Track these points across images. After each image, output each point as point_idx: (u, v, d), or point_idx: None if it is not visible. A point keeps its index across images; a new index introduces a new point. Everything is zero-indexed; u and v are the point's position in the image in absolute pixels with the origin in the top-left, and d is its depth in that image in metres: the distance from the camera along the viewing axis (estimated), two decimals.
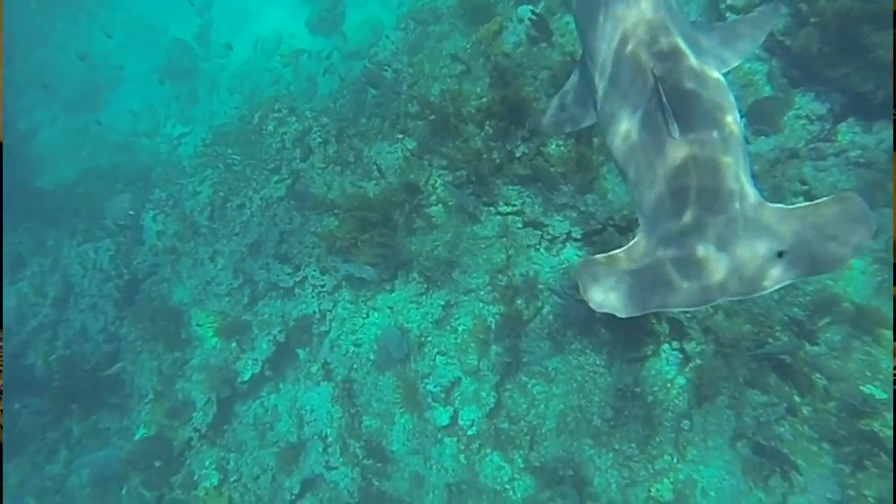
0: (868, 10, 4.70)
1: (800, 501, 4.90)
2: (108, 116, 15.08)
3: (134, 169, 12.44)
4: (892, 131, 5.22)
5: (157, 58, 14.65)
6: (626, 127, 2.25)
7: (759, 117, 5.61)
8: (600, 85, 2.47)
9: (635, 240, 2.18)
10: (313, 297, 7.72)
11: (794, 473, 4.90)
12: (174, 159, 12.57)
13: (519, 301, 6.11)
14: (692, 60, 2.19)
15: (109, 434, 8.57)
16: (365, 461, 6.72)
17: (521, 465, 5.90)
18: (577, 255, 5.96)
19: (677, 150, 2.04)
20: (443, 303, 6.59)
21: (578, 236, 5.92)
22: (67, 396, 8.42)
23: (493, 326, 6.23)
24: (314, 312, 7.65)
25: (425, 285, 6.74)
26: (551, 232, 6.05)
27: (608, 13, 2.42)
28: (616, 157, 2.33)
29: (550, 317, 5.98)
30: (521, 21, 7.16)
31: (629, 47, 2.28)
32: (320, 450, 6.98)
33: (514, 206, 6.20)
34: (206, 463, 7.59)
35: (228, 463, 7.54)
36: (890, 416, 4.70)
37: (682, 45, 2.22)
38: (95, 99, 15.75)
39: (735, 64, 2.54)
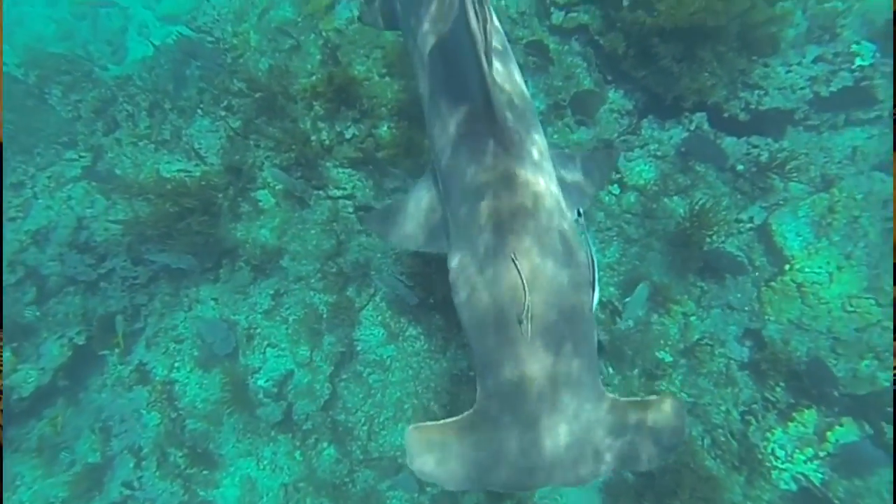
0: (656, 24, 5.24)
1: None
2: None
3: None
4: (680, 129, 5.95)
5: None
6: (482, 302, 2.09)
7: (580, 108, 6.03)
8: (455, 233, 2.26)
9: (470, 414, 2.11)
10: (123, 290, 6.77)
11: None
12: None
13: (350, 288, 5.93)
14: (551, 266, 2.07)
15: None
16: (188, 470, 6.10)
17: (360, 457, 5.77)
18: None
19: (526, 349, 1.99)
20: (272, 292, 6.18)
21: None
22: None
23: (325, 315, 5.97)
24: (125, 308, 6.71)
25: (253, 274, 6.25)
26: None
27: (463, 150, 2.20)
28: (464, 322, 2.19)
29: (383, 304, 5.89)
30: None
31: (485, 203, 2.10)
32: (132, 465, 6.18)
33: (345, 189, 5.95)
34: None
35: None
36: (675, 375, 5.43)
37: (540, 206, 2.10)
38: None
39: (587, 206, 2.47)
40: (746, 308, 5.49)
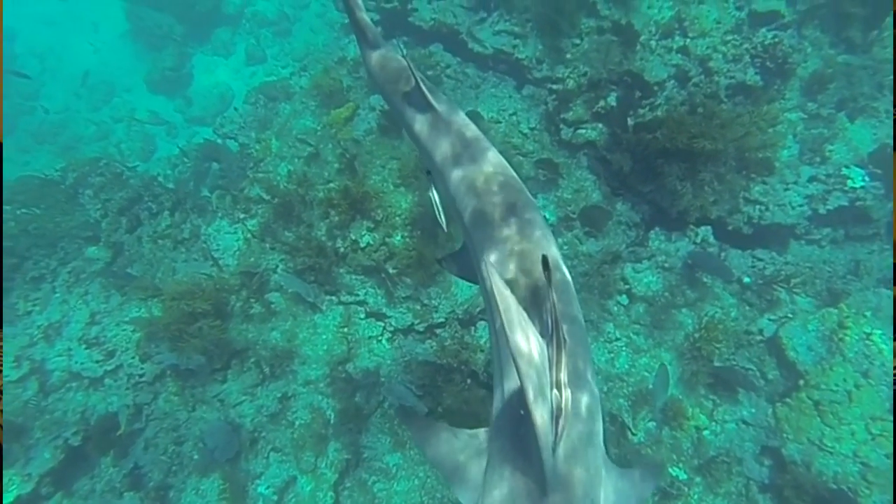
0: (660, 145, 5.56)
1: None
2: None
3: None
4: (686, 242, 6.11)
5: None
6: None
7: (589, 221, 6.24)
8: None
9: None
10: (128, 388, 6.68)
11: None
12: None
13: (359, 394, 5.86)
14: None
15: None
16: None
17: None
18: (419, 347, 5.93)
19: None
20: (279, 395, 6.10)
21: (421, 329, 5.92)
22: None
23: (332, 421, 5.86)
24: (127, 406, 6.59)
25: (261, 376, 6.21)
26: (394, 324, 5.98)
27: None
28: None
29: (392, 411, 5.80)
30: (373, 109, 7.32)
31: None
32: None
33: (357, 296, 6.05)
34: None
35: None
36: (691, 494, 5.21)
37: None
38: None
39: None
40: (763, 424, 5.36)
